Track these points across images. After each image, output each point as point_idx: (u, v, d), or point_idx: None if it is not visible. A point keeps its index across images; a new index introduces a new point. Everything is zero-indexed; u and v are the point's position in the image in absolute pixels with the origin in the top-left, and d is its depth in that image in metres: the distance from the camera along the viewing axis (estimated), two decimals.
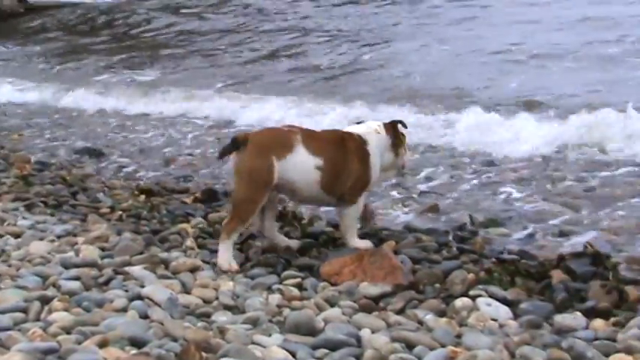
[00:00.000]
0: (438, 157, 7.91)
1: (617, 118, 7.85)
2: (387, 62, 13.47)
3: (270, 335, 3.60)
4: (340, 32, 16.61)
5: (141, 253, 4.80)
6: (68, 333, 3.46)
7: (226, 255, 4.65)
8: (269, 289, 4.26)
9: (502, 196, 6.32)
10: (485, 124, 8.50)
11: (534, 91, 10.06)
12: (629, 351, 3.44)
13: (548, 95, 9.76)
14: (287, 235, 5.13)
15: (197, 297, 4.13)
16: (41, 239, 5.11)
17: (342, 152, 4.76)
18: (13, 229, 5.35)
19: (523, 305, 3.98)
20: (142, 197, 6.46)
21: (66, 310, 3.78)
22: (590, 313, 3.87)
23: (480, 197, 6.26)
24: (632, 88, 9.55)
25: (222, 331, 3.57)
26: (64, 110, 13.53)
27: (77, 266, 4.48)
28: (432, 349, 3.46)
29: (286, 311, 3.92)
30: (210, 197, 6.31)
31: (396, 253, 4.66)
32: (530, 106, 9.26)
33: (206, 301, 4.08)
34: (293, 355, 3.40)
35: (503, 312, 3.93)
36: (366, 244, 4.82)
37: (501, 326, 3.79)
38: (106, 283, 4.28)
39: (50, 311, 3.76)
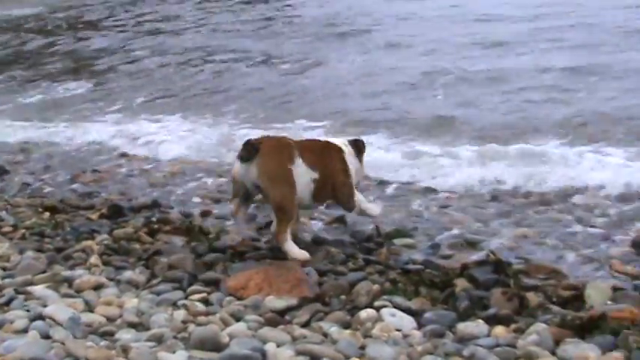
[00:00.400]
0: None
1: None
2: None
3: (174, 352, 3.59)
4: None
5: (43, 272, 4.72)
6: None
7: (296, 249, 4.90)
8: (174, 305, 4.23)
9: (409, 208, 6.40)
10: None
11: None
12: (528, 357, 3.55)
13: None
14: (194, 249, 5.12)
15: (101, 315, 4.08)
16: None
17: (329, 163, 5.16)
18: None
19: (427, 315, 4.06)
20: (47, 214, 6.32)
21: None
22: (492, 320, 3.96)
23: (387, 209, 6.31)
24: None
25: (125, 350, 3.54)
26: None
27: None
28: None
29: (192, 327, 3.90)
30: (116, 213, 6.21)
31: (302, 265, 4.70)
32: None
33: (110, 319, 4.04)
34: None
35: (408, 322, 3.98)
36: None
37: (405, 336, 3.85)
38: (7, 303, 4.20)
39: None
